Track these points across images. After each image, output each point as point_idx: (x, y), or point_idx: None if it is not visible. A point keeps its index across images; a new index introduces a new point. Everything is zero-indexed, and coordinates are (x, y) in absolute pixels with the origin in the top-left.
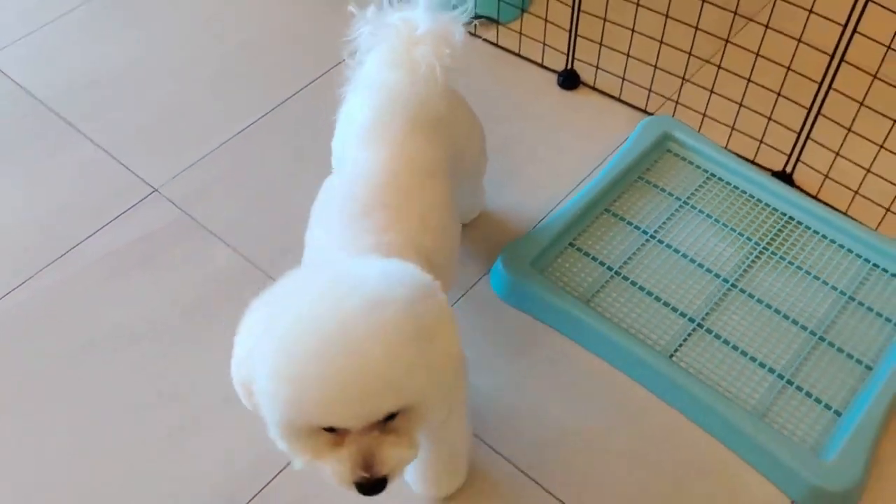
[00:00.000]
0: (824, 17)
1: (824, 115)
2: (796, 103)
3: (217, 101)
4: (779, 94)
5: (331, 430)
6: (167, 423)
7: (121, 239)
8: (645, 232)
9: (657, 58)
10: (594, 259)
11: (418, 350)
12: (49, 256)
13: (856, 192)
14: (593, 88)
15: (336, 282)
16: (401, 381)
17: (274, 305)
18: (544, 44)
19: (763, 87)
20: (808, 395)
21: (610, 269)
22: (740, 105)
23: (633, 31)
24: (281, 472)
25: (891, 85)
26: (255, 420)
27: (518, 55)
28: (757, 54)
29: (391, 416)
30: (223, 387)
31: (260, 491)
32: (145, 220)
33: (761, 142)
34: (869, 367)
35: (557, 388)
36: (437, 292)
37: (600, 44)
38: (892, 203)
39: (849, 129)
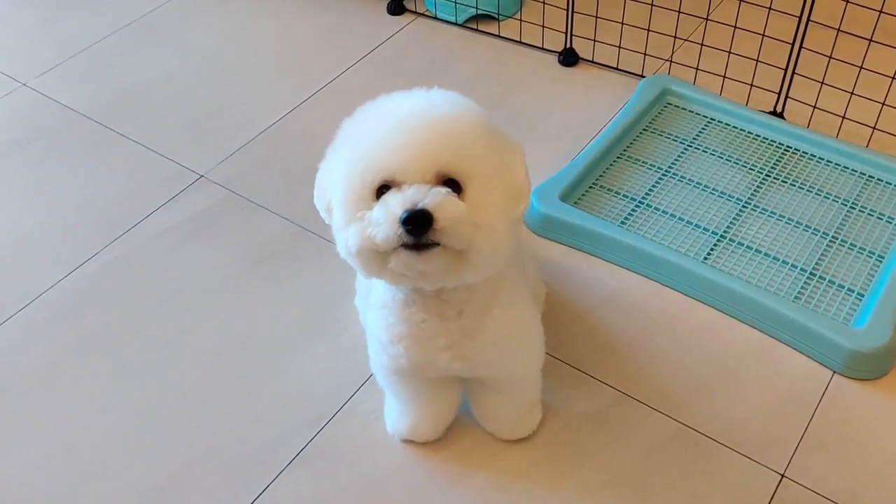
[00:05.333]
0: None
1: (807, 48)
2: (780, 40)
3: (249, 99)
4: (763, 35)
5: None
6: (234, 366)
7: (176, 217)
8: (660, 169)
9: (649, 22)
10: (617, 193)
11: (485, 139)
12: (113, 234)
13: (843, 117)
14: (592, 62)
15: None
16: (461, 143)
17: (350, 124)
18: (543, 26)
19: (748, 30)
20: (832, 283)
21: (633, 199)
22: (729, 52)
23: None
24: (335, 414)
25: (863, 6)
26: (311, 360)
27: (520, 42)
28: (740, 1)
29: (451, 186)
30: (282, 332)
31: (321, 428)
32: (196, 201)
33: (752, 85)
34: (881, 258)
35: (601, 303)
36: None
37: (596, 17)
38: (876, 121)
39: (830, 57)
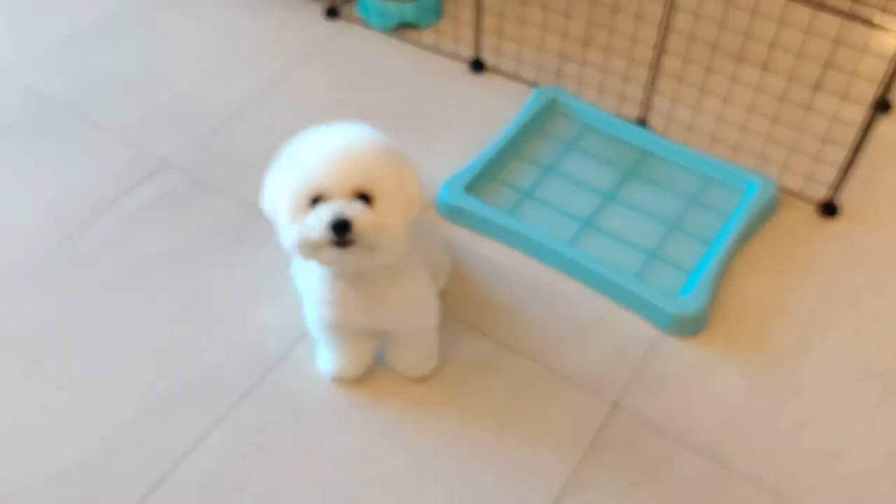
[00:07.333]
0: None
1: (663, 72)
2: (642, 64)
3: (203, 95)
4: (630, 59)
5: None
6: (195, 321)
7: (141, 200)
8: (544, 166)
9: (542, 42)
10: (511, 186)
11: (389, 163)
12: (88, 213)
13: (690, 127)
14: (496, 71)
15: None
16: (372, 168)
17: (290, 148)
18: (456, 38)
19: (619, 55)
20: (667, 262)
21: (522, 191)
22: (603, 71)
23: (522, 23)
24: (279, 360)
25: (702, 41)
26: (258, 317)
27: (437, 50)
28: (611, 30)
29: (364, 199)
30: (235, 295)
31: (269, 370)
32: (159, 186)
33: (622, 97)
34: (708, 242)
35: (490, 275)
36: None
37: (499, 34)
38: (714, 131)
39: (679, 79)
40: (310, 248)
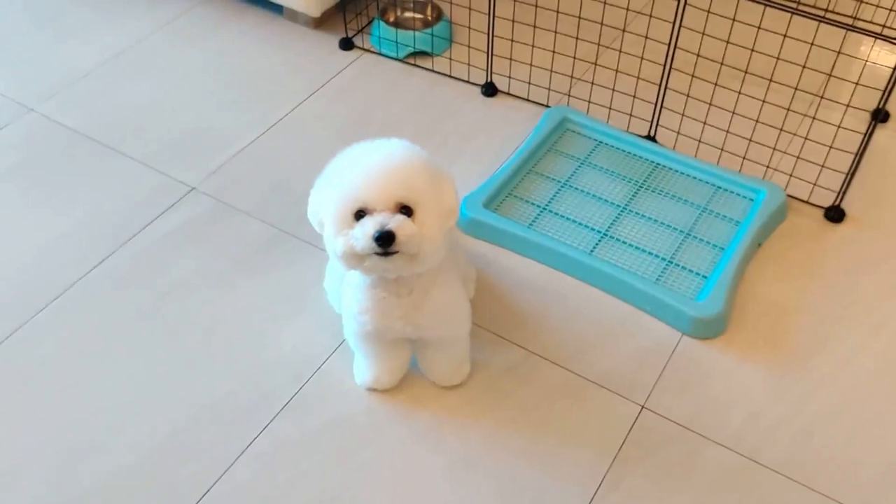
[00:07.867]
0: (660, 19)
1: (671, 89)
2: (651, 82)
3: (227, 123)
4: (638, 78)
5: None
6: (230, 339)
7: (172, 223)
8: (559, 181)
9: (552, 64)
10: (527, 201)
11: (427, 176)
12: (122, 239)
13: (699, 141)
14: (508, 94)
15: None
16: (411, 182)
17: (334, 164)
18: (469, 64)
19: (627, 73)
20: (684, 268)
21: (539, 206)
22: (613, 90)
23: (532, 46)
24: (314, 373)
25: (710, 59)
26: (291, 333)
27: (449, 76)
28: (619, 51)
29: (405, 212)
30: (267, 312)
31: (304, 383)
32: (188, 210)
33: (631, 115)
34: (722, 248)
35: (515, 285)
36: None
37: (510, 59)
38: (723, 144)
39: (687, 95)
40: (355, 259)
